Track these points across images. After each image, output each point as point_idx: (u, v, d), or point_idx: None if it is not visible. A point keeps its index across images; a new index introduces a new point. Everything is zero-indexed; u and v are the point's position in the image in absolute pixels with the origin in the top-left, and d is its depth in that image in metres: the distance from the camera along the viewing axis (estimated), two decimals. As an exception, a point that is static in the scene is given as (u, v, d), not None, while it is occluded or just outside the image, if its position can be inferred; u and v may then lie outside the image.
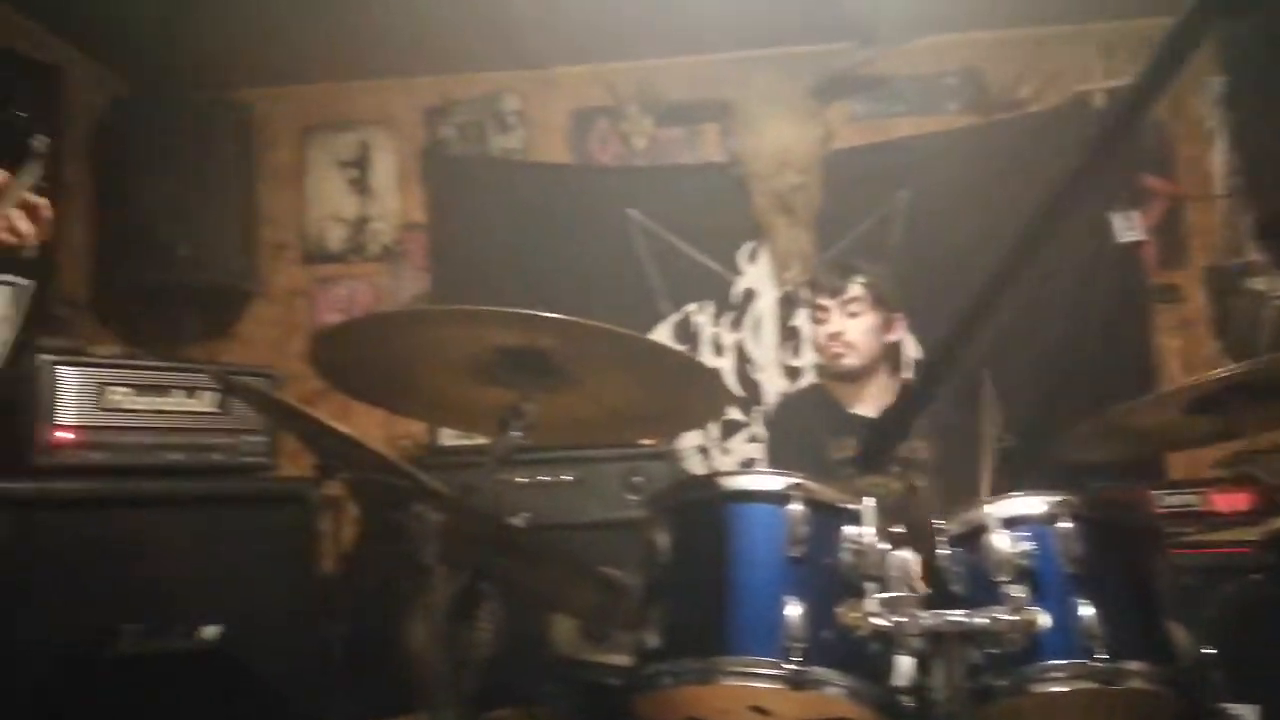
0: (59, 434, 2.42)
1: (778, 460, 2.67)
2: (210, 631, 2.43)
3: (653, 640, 1.46)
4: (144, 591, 2.37)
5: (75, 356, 2.52)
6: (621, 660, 1.82)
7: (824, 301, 2.59)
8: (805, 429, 2.57)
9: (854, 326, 2.55)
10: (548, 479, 2.97)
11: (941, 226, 3.44)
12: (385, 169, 3.80)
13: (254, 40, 3.44)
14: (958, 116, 3.61)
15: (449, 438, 3.26)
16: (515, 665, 2.08)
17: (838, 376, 2.62)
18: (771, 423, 2.92)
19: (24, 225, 1.41)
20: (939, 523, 1.53)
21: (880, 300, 2.57)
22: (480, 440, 2.61)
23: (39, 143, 1.49)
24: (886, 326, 2.59)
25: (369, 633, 2.70)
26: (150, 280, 3.37)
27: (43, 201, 1.45)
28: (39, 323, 2.48)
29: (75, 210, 3.36)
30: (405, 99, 3.80)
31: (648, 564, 1.52)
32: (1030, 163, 3.32)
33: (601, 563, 1.69)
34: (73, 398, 2.45)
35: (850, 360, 2.56)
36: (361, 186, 3.81)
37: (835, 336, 2.55)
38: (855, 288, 2.56)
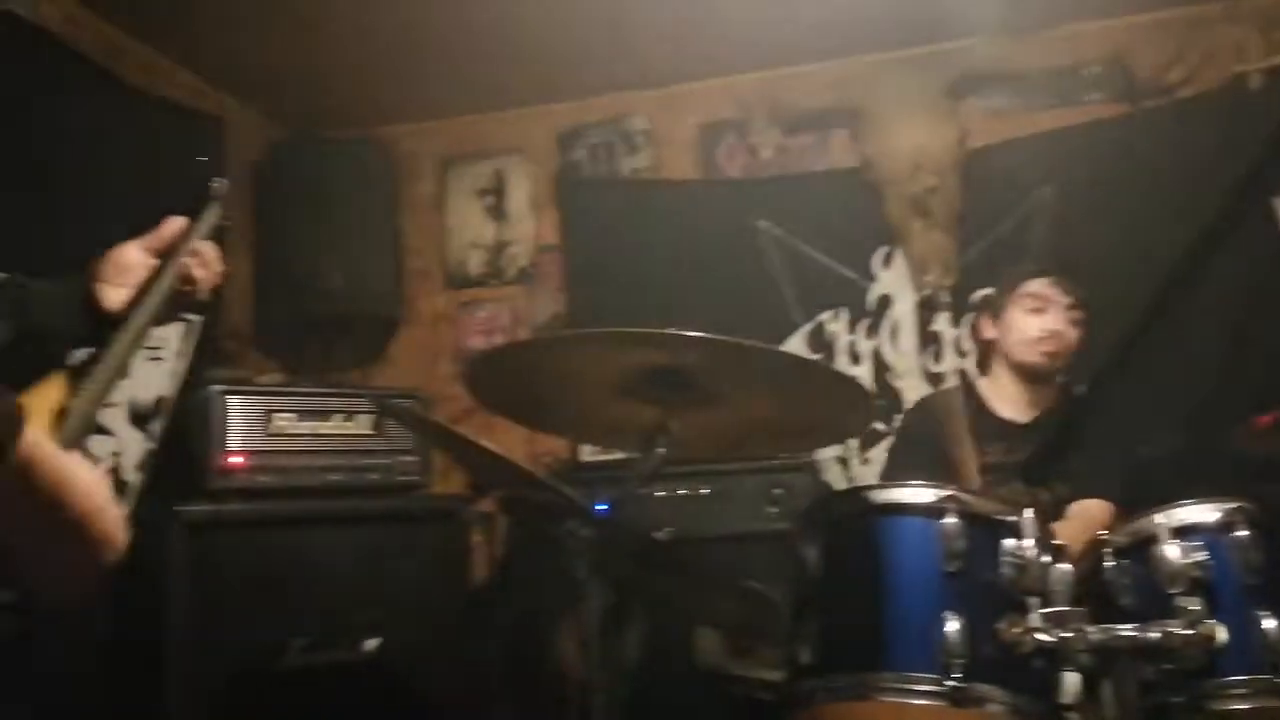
0: (230, 459, 2.57)
1: (900, 465, 2.65)
2: (371, 644, 2.53)
3: (806, 655, 1.45)
4: (309, 606, 2.48)
5: (242, 386, 2.68)
6: (769, 674, 1.82)
7: (1050, 294, 2.54)
8: (935, 434, 2.51)
9: (1072, 334, 2.53)
10: (685, 492, 2.98)
11: (1088, 223, 3.30)
12: (520, 195, 3.90)
13: (395, 81, 3.60)
14: (1102, 106, 3.45)
15: (590, 454, 3.32)
16: (662, 679, 2.10)
17: (1025, 373, 2.57)
18: (901, 427, 2.88)
19: (199, 273, 1.43)
20: (1103, 534, 1.47)
21: (1088, 317, 2.55)
22: (620, 455, 2.66)
23: (219, 185, 1.51)
24: (1081, 341, 2.55)
25: (521, 645, 2.77)
26: (307, 312, 3.56)
27: (210, 250, 1.44)
28: (207, 355, 2.64)
29: (237, 249, 3.58)
30: (537, 126, 3.89)
31: (797, 579, 1.52)
32: (1184, 152, 3.14)
33: (743, 575, 1.69)
34: (241, 424, 2.60)
35: (1055, 363, 2.54)
36: (498, 213, 3.93)
37: (1055, 335, 2.52)
38: (1081, 297, 2.55)
